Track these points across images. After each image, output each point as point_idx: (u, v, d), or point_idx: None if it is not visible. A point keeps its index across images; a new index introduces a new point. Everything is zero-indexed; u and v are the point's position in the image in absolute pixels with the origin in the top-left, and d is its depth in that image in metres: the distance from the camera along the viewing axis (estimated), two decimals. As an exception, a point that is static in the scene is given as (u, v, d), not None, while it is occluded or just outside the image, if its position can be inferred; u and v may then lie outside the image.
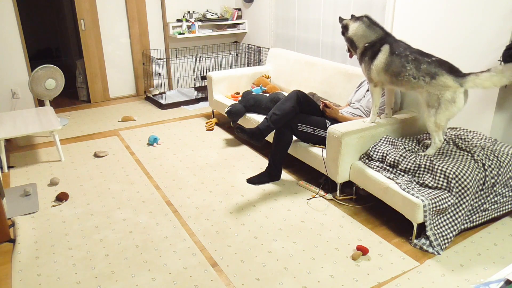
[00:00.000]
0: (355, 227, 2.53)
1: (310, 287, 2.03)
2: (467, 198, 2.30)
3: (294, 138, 3.11)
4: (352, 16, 2.72)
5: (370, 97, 2.94)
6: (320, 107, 3.06)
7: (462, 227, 2.37)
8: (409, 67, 2.46)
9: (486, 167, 2.38)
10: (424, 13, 3.08)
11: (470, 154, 2.46)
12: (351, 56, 2.85)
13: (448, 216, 2.32)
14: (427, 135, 2.80)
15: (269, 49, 4.96)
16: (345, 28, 2.73)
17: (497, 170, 2.41)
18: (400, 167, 2.51)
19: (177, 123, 4.39)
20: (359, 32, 2.65)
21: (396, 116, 2.91)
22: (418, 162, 2.46)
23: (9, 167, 3.39)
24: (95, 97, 5.13)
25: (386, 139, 2.74)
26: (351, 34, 2.68)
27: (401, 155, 2.54)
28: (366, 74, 2.71)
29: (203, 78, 5.44)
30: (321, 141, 2.96)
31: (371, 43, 2.62)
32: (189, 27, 5.19)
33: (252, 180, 3.06)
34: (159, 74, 5.32)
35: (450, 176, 2.29)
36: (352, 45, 2.73)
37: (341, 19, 2.78)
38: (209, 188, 3.01)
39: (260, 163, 3.39)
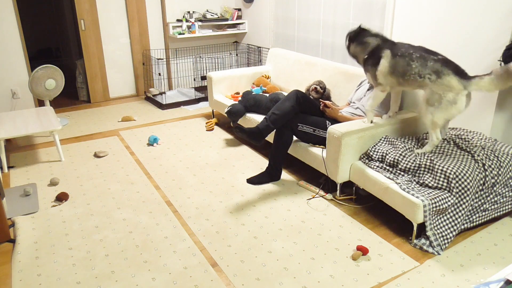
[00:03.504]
0: (355, 227, 2.53)
1: (310, 287, 2.03)
2: (467, 198, 2.30)
3: (294, 138, 3.11)
4: (352, 33, 2.77)
5: (370, 96, 2.95)
6: (320, 107, 3.06)
7: (462, 227, 2.38)
8: (415, 65, 2.45)
9: (486, 167, 2.38)
10: (424, 13, 3.08)
11: (470, 154, 2.46)
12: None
13: (448, 216, 2.32)
14: (427, 134, 2.80)
15: (269, 49, 4.96)
16: (348, 48, 2.82)
17: (497, 170, 2.41)
18: (400, 166, 2.51)
19: (177, 123, 4.39)
20: (357, 50, 2.74)
21: (396, 116, 2.91)
22: (418, 162, 2.46)
23: (9, 167, 3.39)
24: (95, 97, 5.13)
25: (386, 139, 2.74)
26: (352, 52, 2.80)
27: (400, 154, 2.55)
28: (373, 82, 2.70)
29: (203, 78, 5.44)
30: (321, 141, 2.96)
31: (369, 54, 2.65)
32: (189, 27, 5.19)
33: (252, 180, 3.06)
34: (159, 74, 5.32)
35: (451, 176, 2.29)
36: (357, 59, 2.82)
37: (348, 37, 2.83)
38: (209, 188, 3.01)
39: (260, 163, 3.39)
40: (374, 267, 2.17)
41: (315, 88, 3.30)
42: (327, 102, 3.05)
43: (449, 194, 2.30)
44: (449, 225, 2.32)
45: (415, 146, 2.66)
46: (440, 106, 2.39)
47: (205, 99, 5.14)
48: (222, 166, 3.36)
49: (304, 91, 3.51)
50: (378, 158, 2.65)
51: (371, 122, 2.77)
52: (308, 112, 3.04)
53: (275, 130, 2.99)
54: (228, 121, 4.34)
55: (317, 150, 2.93)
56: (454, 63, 2.40)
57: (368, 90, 3.06)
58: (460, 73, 2.36)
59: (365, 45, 2.68)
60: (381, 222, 2.59)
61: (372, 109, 2.75)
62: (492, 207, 2.45)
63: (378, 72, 2.60)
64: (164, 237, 2.43)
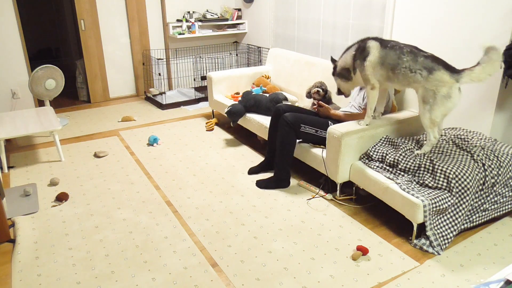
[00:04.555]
0: (355, 227, 2.53)
1: (310, 287, 2.03)
2: (467, 198, 2.30)
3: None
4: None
5: (363, 93, 2.94)
6: (312, 108, 3.07)
7: (462, 227, 2.38)
8: (406, 59, 2.45)
9: (486, 167, 2.38)
10: (424, 13, 3.08)
11: (470, 154, 2.46)
12: (346, 95, 2.92)
13: (448, 216, 2.32)
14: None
15: (269, 49, 4.96)
16: (334, 69, 2.83)
17: (497, 170, 2.41)
18: (399, 166, 2.51)
19: (177, 123, 4.39)
20: (342, 59, 2.76)
21: (396, 116, 2.91)
22: (418, 162, 2.46)
23: (9, 167, 3.39)
24: (95, 97, 5.13)
25: (386, 139, 2.74)
26: (339, 68, 2.79)
27: (400, 154, 2.55)
28: (362, 76, 2.67)
29: (203, 78, 5.44)
30: (322, 142, 2.95)
31: (356, 50, 2.66)
32: (189, 27, 5.19)
33: (260, 184, 3.02)
34: (159, 74, 5.32)
35: (450, 176, 2.29)
36: (346, 74, 2.76)
37: (333, 60, 2.87)
38: (209, 188, 3.01)
39: (260, 163, 3.39)
40: (374, 267, 2.17)
41: (317, 91, 3.28)
42: (320, 102, 3.05)
43: (449, 194, 2.30)
44: (449, 225, 2.32)
45: (415, 147, 2.65)
46: (435, 102, 2.40)
47: (205, 99, 5.14)
48: (222, 166, 3.36)
49: (305, 93, 3.51)
50: (378, 158, 2.65)
51: (367, 124, 2.75)
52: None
53: (278, 135, 2.95)
54: (228, 121, 4.34)
55: (317, 150, 2.93)
56: (443, 60, 2.41)
57: (361, 88, 3.05)
58: (449, 68, 2.38)
59: (351, 47, 2.70)
60: (381, 222, 2.59)
61: (371, 111, 2.73)
62: (492, 207, 2.45)
63: (367, 63, 2.58)
64: (164, 237, 2.43)
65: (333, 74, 2.86)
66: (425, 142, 2.69)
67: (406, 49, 2.47)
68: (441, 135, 2.71)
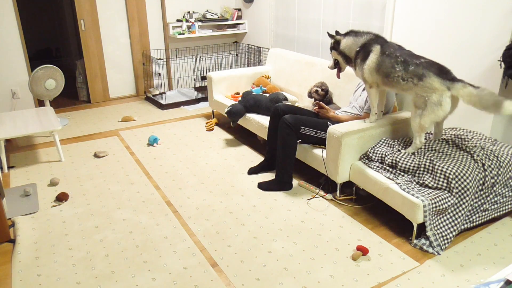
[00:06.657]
0: (355, 227, 2.53)
1: (310, 287, 2.03)
2: (467, 198, 2.30)
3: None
4: (337, 33, 2.80)
5: (365, 96, 2.95)
6: (313, 109, 3.07)
7: (462, 227, 2.38)
8: (398, 69, 2.47)
9: (486, 167, 2.38)
10: (424, 14, 3.08)
11: (470, 154, 2.46)
12: (338, 74, 2.93)
13: (448, 216, 2.32)
14: (428, 134, 2.81)
15: (269, 49, 4.96)
16: (337, 44, 2.79)
17: (497, 170, 2.41)
18: (398, 166, 2.52)
19: (177, 123, 4.39)
20: (349, 42, 2.72)
21: (396, 116, 2.91)
22: (417, 162, 2.46)
23: (9, 167, 3.39)
24: (95, 97, 5.13)
25: (385, 141, 2.74)
26: (342, 47, 2.76)
27: (397, 156, 2.55)
28: (360, 76, 2.72)
29: (203, 78, 5.44)
30: (322, 143, 2.94)
31: (361, 46, 2.66)
32: (189, 27, 5.19)
33: (261, 186, 3.01)
34: (159, 74, 5.32)
35: (450, 176, 2.29)
36: (345, 58, 2.78)
37: (331, 35, 2.83)
38: (209, 188, 3.01)
39: (260, 163, 3.39)
40: (374, 267, 2.17)
41: (316, 90, 3.28)
42: (320, 103, 3.05)
43: (449, 194, 2.30)
44: (449, 225, 2.32)
45: (406, 147, 2.67)
46: (426, 108, 2.40)
47: (205, 99, 5.14)
48: (222, 166, 3.36)
49: (307, 93, 3.51)
50: (378, 159, 2.65)
51: (372, 121, 2.77)
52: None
53: (279, 137, 2.94)
54: (228, 121, 4.34)
55: (317, 151, 2.93)
56: (438, 64, 2.39)
57: (363, 90, 3.06)
58: (443, 73, 2.35)
59: (359, 37, 2.69)
60: (381, 222, 2.59)
61: (374, 109, 2.74)
62: (492, 207, 2.45)
63: (365, 67, 2.62)
64: (164, 237, 2.43)
65: (334, 49, 2.81)
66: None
67: (400, 58, 2.48)
68: (441, 135, 2.71)
